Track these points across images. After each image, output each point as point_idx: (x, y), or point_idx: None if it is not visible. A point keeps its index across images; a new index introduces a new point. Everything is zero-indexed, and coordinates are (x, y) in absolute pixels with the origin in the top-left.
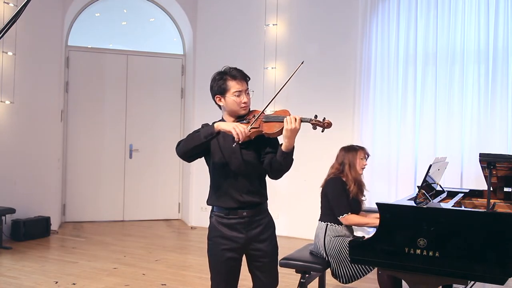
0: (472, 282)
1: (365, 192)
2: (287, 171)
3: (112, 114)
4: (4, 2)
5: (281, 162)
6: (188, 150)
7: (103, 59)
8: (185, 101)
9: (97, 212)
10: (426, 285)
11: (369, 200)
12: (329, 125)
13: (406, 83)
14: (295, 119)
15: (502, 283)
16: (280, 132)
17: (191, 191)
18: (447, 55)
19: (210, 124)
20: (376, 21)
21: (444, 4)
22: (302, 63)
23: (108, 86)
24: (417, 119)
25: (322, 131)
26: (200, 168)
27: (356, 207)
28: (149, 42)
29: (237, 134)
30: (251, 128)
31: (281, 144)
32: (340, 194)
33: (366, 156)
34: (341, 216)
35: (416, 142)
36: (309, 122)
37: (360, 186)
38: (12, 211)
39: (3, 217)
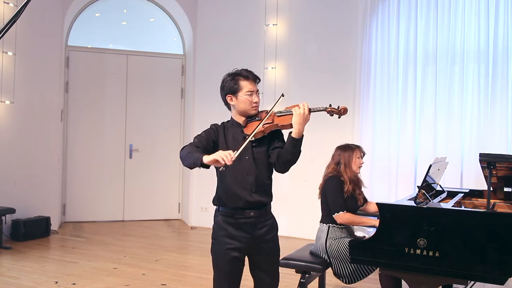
0: (472, 282)
1: (363, 189)
2: (295, 162)
3: (112, 114)
4: (4, 2)
5: (290, 150)
6: (183, 163)
7: (103, 59)
8: (185, 101)
9: (97, 212)
10: (426, 285)
11: (370, 200)
12: (345, 111)
13: (406, 83)
14: (305, 106)
15: (502, 283)
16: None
17: (191, 191)
18: (447, 55)
19: (220, 124)
20: (376, 21)
21: (444, 4)
22: (282, 95)
23: (108, 86)
24: (417, 119)
25: (339, 118)
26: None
27: (352, 204)
28: (149, 42)
29: (222, 159)
30: (264, 124)
31: (291, 132)
32: (337, 192)
33: (362, 154)
34: (335, 214)
35: (416, 142)
36: (324, 110)
37: (357, 183)
38: (12, 211)
39: (3, 217)
